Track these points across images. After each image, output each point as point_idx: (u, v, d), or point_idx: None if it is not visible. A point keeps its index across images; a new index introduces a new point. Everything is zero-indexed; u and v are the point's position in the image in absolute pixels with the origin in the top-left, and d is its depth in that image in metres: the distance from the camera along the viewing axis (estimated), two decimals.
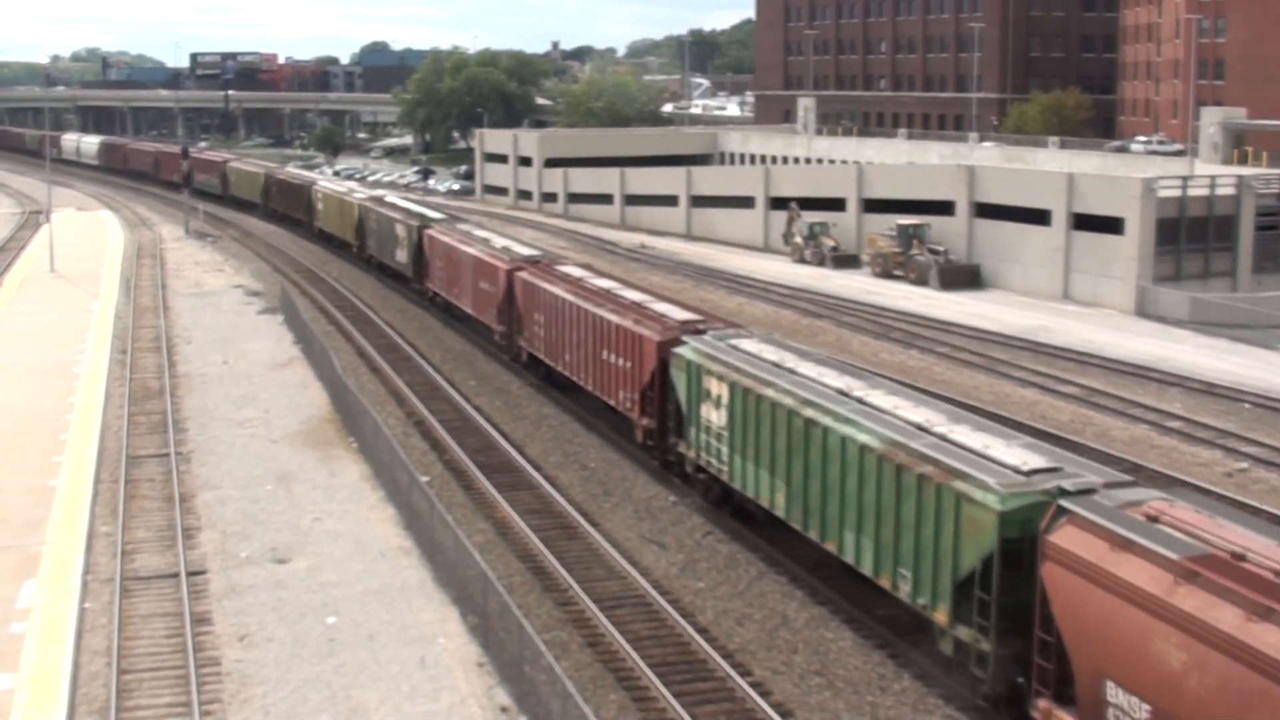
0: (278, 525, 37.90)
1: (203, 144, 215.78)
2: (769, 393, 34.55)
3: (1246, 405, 52.35)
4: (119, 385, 54.87)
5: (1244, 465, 44.60)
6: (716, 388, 37.32)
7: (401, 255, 76.90)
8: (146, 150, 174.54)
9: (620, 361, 44.43)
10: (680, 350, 39.83)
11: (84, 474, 42.32)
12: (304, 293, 78.52)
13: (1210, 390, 54.59)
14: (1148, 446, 46.83)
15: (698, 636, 30.90)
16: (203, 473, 43.00)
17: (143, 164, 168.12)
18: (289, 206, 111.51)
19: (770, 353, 37.76)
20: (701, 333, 41.15)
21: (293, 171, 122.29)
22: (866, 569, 29.93)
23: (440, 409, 52.10)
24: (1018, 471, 25.94)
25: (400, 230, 76.85)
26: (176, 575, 34.02)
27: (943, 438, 28.61)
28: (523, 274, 55.75)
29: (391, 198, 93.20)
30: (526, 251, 62.02)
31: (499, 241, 64.19)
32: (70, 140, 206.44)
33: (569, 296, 49.76)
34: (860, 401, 32.23)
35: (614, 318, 45.27)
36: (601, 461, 45.23)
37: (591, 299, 48.27)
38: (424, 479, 40.17)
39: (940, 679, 28.70)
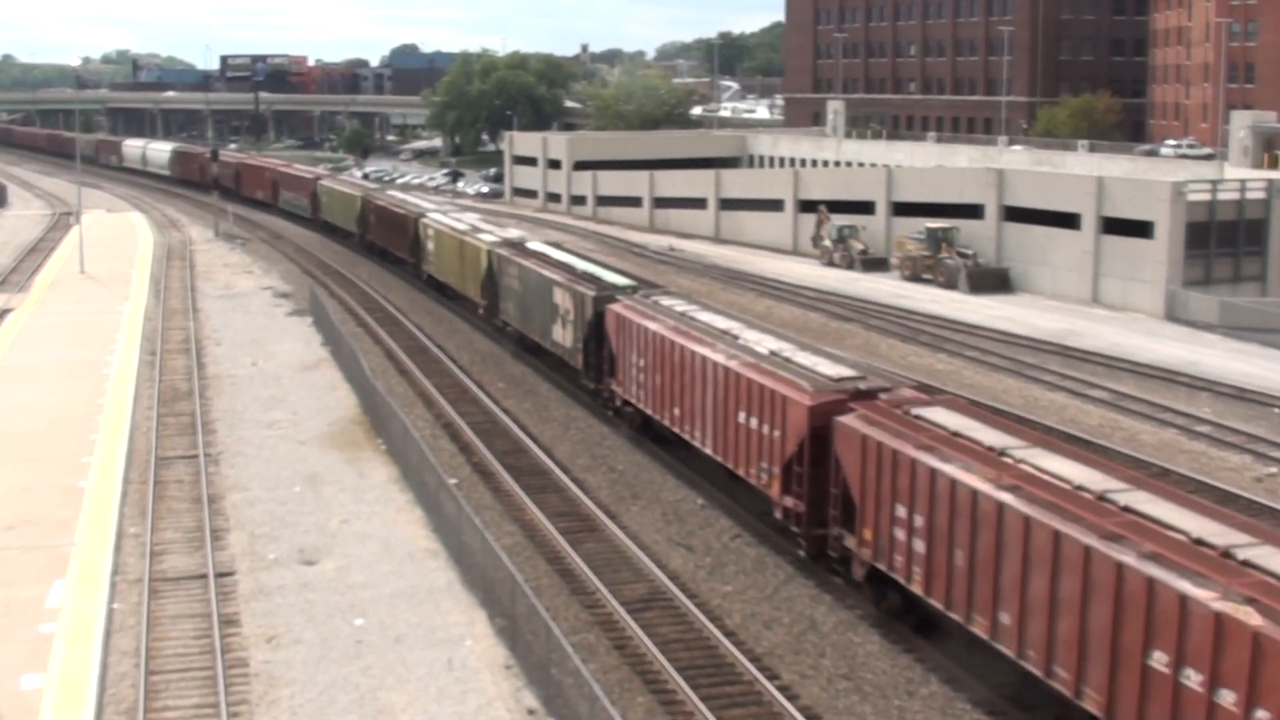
0: (306, 527, 37.98)
1: (232, 146, 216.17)
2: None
3: (1276, 410, 52.07)
4: (148, 386, 55.04)
5: (1273, 470, 44.38)
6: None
7: (563, 334, 54.03)
8: (226, 161, 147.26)
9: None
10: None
11: (113, 475, 42.46)
12: (332, 294, 78.67)
13: (1240, 395, 54.32)
14: (1177, 451, 46.63)
15: (725, 640, 30.88)
16: (231, 474, 43.11)
17: (222, 178, 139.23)
18: (390, 241, 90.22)
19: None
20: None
21: (396, 197, 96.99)
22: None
23: (469, 411, 52.15)
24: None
25: (562, 299, 54.05)
26: (205, 576, 34.10)
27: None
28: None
29: (540, 245, 66.24)
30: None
31: (766, 343, 40.87)
32: (134, 147, 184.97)
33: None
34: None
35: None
36: (629, 464, 45.21)
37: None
38: (452, 481, 40.26)
39: (968, 683, 28.64)
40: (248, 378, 56.88)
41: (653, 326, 44.04)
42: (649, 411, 44.88)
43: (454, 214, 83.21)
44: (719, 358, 39.60)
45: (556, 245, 67.82)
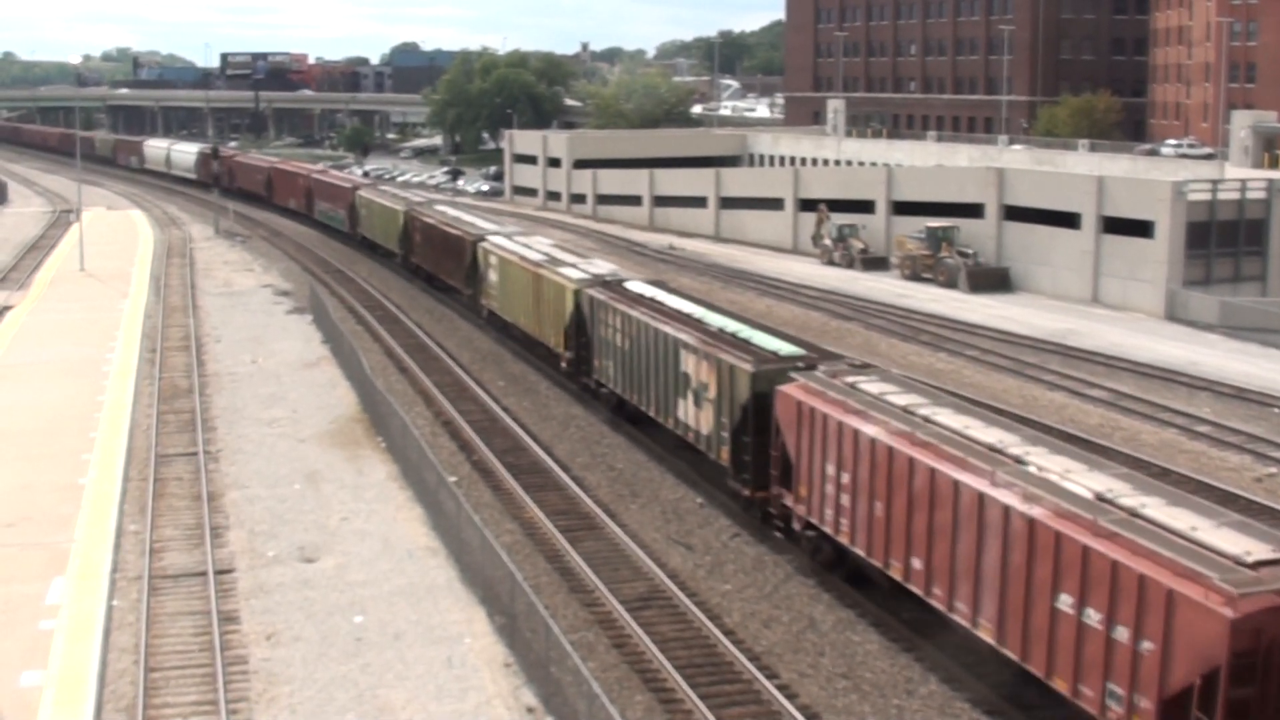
0: (305, 524, 37.99)
1: (233, 143, 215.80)
2: None
3: (1276, 410, 52.06)
4: (148, 384, 55.05)
5: (1273, 470, 44.37)
6: None
7: (696, 415, 41.28)
8: (257, 166, 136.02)
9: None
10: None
11: (113, 472, 42.47)
12: (333, 292, 78.64)
13: (1240, 395, 54.31)
14: (1177, 451, 46.62)
15: (724, 638, 30.88)
16: (231, 471, 43.12)
17: (251, 183, 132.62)
18: (440, 266, 76.46)
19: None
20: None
21: (447, 214, 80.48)
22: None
23: (468, 409, 52.15)
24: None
25: (697, 369, 41.08)
26: (204, 574, 34.12)
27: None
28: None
29: (643, 286, 51.41)
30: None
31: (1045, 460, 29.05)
32: (157, 148, 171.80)
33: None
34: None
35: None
36: (629, 463, 45.21)
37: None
38: (451, 479, 40.28)
39: (967, 682, 28.64)
40: (247, 375, 56.88)
41: (868, 430, 31.61)
42: (860, 553, 32.40)
43: (521, 238, 67.75)
44: (1008, 498, 26.76)
45: (662, 285, 52.20)
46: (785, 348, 39.40)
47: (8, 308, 73.59)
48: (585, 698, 24.70)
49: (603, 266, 57.22)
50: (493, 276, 64.42)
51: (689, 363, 41.47)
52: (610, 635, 31.42)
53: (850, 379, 34.84)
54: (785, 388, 35.31)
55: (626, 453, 46.27)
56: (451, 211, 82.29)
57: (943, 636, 29.67)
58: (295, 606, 32.08)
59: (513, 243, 64.97)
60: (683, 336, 42.27)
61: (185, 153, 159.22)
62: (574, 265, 56.80)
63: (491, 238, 67.27)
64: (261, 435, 47.35)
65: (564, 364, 54.17)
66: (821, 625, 32.07)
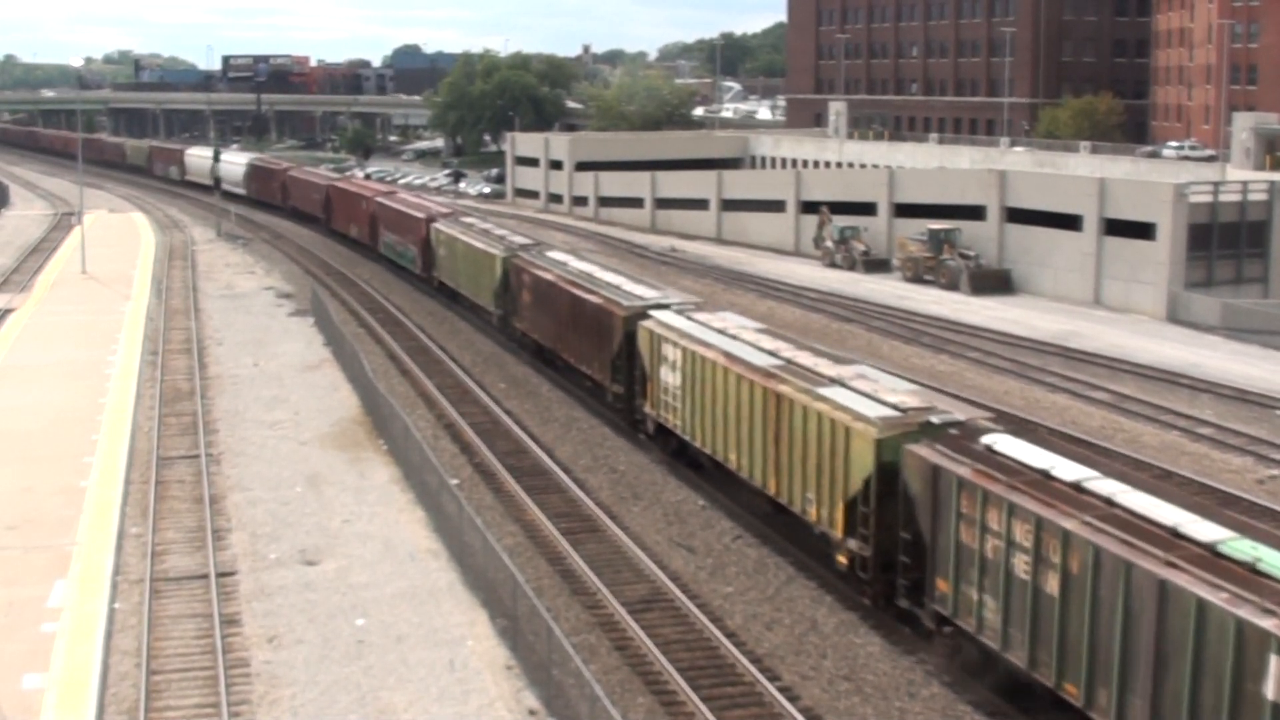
0: (307, 527, 37.99)
1: (234, 146, 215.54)
2: None
3: (1278, 412, 52.05)
4: (150, 386, 55.05)
5: (1275, 472, 44.36)
6: None
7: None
8: (313, 182, 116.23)
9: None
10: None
11: (115, 474, 42.47)
12: (334, 295, 78.63)
13: (1242, 397, 54.30)
14: (1179, 453, 46.61)
15: (726, 641, 30.87)
16: (233, 474, 43.12)
17: (307, 202, 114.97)
18: (565, 342, 53.69)
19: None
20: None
21: (575, 268, 56.83)
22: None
23: (470, 412, 52.15)
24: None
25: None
26: (206, 576, 34.12)
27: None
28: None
29: (1009, 439, 29.99)
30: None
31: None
32: (200, 158, 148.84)
33: None
34: None
35: None
36: (630, 465, 45.21)
37: None
38: (453, 481, 40.29)
39: (969, 685, 28.62)
40: (249, 378, 56.88)
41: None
42: None
43: (706, 315, 45.05)
44: None
45: (1020, 432, 31.98)
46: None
47: (10, 310, 73.58)
48: (587, 700, 24.70)
49: (890, 383, 35.52)
50: (673, 377, 42.40)
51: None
52: (612, 638, 31.42)
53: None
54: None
55: (628, 455, 46.25)
56: (578, 264, 58.31)
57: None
58: (297, 609, 32.08)
59: (695, 323, 43.48)
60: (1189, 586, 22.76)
61: (234, 165, 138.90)
62: (844, 383, 34.96)
63: (659, 314, 45.33)
64: (263, 438, 47.35)
65: (766, 496, 37.09)
66: (823, 627, 32.06)
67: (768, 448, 36.54)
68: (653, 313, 45.63)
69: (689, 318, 44.65)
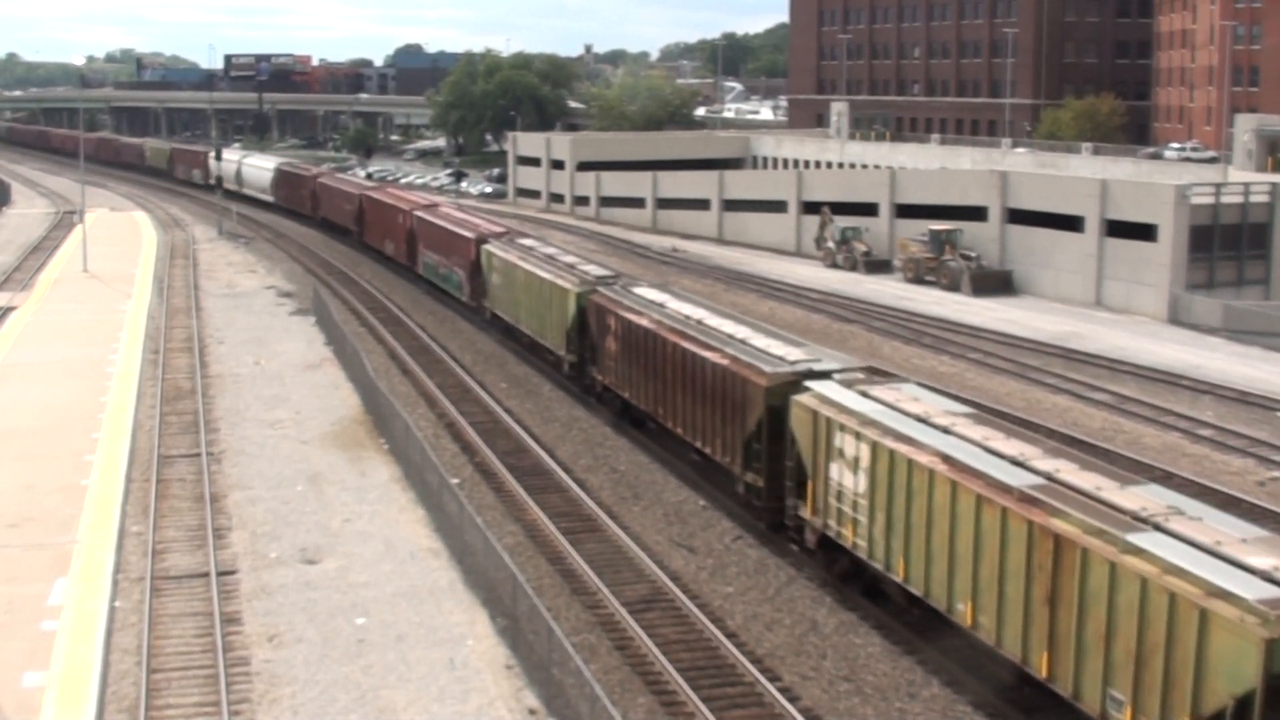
0: (308, 526, 37.99)
1: (236, 145, 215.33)
2: None
3: (1279, 414, 52.10)
4: (151, 385, 55.06)
5: (1276, 474, 44.34)
6: None
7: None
8: (345, 191, 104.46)
9: None
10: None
11: (115, 473, 42.46)
12: (335, 294, 78.62)
13: (1243, 398, 54.29)
14: (1179, 454, 46.59)
15: (726, 641, 30.87)
16: (234, 473, 43.13)
17: (338, 213, 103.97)
18: (673, 409, 43.27)
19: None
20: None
21: (676, 311, 46.56)
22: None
23: (471, 411, 52.15)
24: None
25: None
26: (207, 575, 34.12)
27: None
28: None
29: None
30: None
31: None
32: (225, 162, 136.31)
33: None
34: None
35: None
36: (631, 465, 45.22)
37: None
38: (454, 481, 40.29)
39: (969, 685, 28.62)
40: (250, 377, 56.88)
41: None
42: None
43: (883, 391, 34.35)
44: None
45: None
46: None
47: (12, 308, 73.59)
48: (587, 700, 24.69)
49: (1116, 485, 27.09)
50: (845, 478, 32.32)
51: None
52: (612, 637, 31.42)
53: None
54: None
55: (629, 455, 46.27)
56: (676, 304, 47.99)
57: (945, 640, 29.66)
58: (297, 608, 32.08)
59: (876, 404, 33.15)
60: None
61: (260, 169, 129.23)
62: (1159, 525, 24.43)
63: (820, 386, 35.08)
64: (264, 437, 47.36)
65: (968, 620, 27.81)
66: (824, 628, 32.06)
67: (1034, 612, 25.67)
68: (810, 384, 35.35)
69: (863, 394, 33.91)
